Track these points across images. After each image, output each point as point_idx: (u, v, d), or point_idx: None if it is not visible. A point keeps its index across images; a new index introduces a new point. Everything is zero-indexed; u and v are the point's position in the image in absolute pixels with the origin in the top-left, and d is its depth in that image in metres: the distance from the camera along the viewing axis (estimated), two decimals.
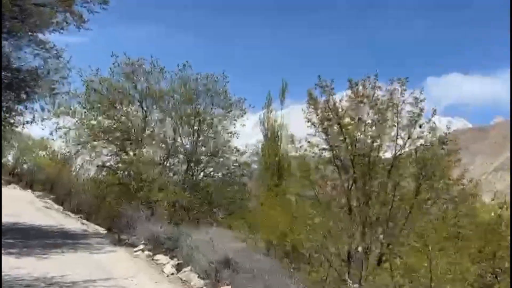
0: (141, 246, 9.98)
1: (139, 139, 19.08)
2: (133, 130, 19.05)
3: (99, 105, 18.58)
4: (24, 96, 12.05)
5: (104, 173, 20.50)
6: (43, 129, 20.17)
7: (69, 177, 33.55)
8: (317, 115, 10.58)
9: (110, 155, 20.22)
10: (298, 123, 15.09)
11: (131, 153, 19.02)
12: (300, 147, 11.15)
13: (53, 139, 19.78)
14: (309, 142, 10.82)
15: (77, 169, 23.67)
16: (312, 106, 10.68)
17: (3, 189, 30.18)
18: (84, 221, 16.39)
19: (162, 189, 15.32)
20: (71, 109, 19.45)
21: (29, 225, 13.48)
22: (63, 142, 20.85)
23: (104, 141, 18.94)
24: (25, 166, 43.10)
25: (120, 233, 11.93)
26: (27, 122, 13.34)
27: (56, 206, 22.25)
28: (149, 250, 9.73)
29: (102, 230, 14.72)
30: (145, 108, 19.07)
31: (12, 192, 27.97)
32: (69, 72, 13.46)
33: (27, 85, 11.69)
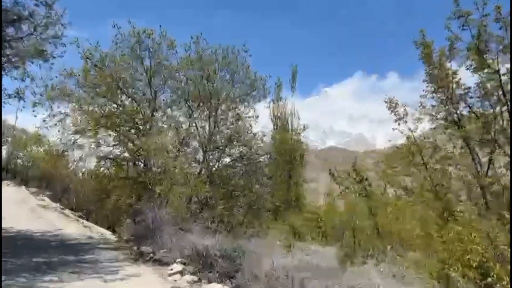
0: (178, 266, 6.61)
1: (148, 125, 15.71)
2: (140, 114, 15.64)
3: (100, 84, 15.10)
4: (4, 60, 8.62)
5: (106, 165, 17.10)
6: (35, 116, 16.85)
7: (66, 171, 30.32)
8: None
9: (113, 145, 16.83)
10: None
11: (137, 142, 15.64)
12: None
13: (46, 127, 16.21)
14: None
15: (75, 163, 20.12)
16: None
17: None
18: (86, 223, 13.02)
19: (184, 183, 12.01)
20: (66, 91, 15.98)
21: (17, 231, 10.17)
22: (58, 131, 17.27)
23: (107, 128, 15.46)
24: (19, 161, 39.30)
25: (138, 242, 8.61)
26: (12, 96, 9.90)
27: (53, 204, 18.82)
28: (193, 274, 6.40)
29: (109, 234, 11.40)
30: (154, 88, 15.65)
31: (3, 190, 24.34)
32: (63, 30, 9.96)
33: (8, 44, 8.26)
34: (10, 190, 25.47)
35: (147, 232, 8.57)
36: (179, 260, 6.65)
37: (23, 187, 28.41)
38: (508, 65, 9.40)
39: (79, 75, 15.24)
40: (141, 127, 15.94)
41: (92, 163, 18.48)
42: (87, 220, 18.63)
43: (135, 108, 15.18)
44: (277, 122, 31.29)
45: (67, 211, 15.89)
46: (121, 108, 15.67)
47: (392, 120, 12.03)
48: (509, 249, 7.15)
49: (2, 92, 10.12)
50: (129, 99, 15.62)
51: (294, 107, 31.53)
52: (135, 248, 8.00)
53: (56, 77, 15.67)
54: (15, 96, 10.29)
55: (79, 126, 15.65)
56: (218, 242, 6.66)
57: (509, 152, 8.83)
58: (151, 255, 7.21)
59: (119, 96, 15.52)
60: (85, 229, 11.49)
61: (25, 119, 26.77)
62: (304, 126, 29.70)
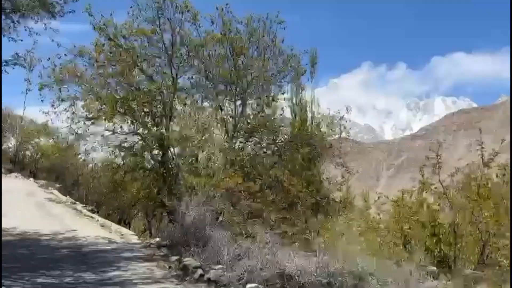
0: None
1: (168, 109, 13.57)
2: (160, 96, 13.49)
3: (115, 62, 12.96)
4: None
5: (121, 155, 15.03)
6: (42, 100, 14.76)
7: (76, 163, 28.39)
8: None
9: (130, 133, 14.77)
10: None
11: (158, 128, 13.54)
12: None
13: (55, 112, 14.10)
14: None
15: (86, 152, 17.96)
16: None
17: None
18: (101, 220, 10.91)
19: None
20: (77, 72, 13.87)
21: (20, 233, 8.09)
22: (67, 118, 15.08)
23: (123, 114, 13.31)
24: (27, 153, 37.32)
25: (175, 250, 6.43)
26: (9, 63, 7.77)
27: (63, 198, 16.77)
28: None
29: (130, 235, 9.28)
30: (175, 66, 13.45)
31: (10, 182, 22.36)
32: None
33: None
34: (18, 182, 23.46)
35: (186, 236, 6.44)
36: (253, 286, 4.44)
37: (31, 179, 26.44)
38: None
39: (90, 52, 13.07)
40: (160, 111, 13.80)
41: (105, 153, 16.36)
42: (97, 212, 16.62)
43: (154, 90, 13.00)
44: (295, 109, 29.15)
45: (79, 206, 13.81)
46: (139, 90, 13.50)
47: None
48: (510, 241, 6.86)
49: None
50: (148, 79, 13.44)
51: (314, 94, 29.36)
52: (174, 259, 5.89)
53: (66, 55, 13.57)
54: (14, 63, 8.13)
55: (92, 111, 13.50)
56: (319, 262, 4.45)
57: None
58: (200, 271, 5.09)
59: (136, 76, 13.35)
60: (102, 228, 9.40)
61: (33, 109, 24.68)
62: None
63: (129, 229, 14.87)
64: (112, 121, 12.89)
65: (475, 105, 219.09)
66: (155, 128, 13.10)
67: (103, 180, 20.55)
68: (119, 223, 28.20)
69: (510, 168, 7.63)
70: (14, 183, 22.40)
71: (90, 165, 26.50)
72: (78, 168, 29.83)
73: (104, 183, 22.73)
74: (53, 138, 27.65)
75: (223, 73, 12.69)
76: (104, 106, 13.22)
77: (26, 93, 14.60)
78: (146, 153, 14.57)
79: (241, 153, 12.58)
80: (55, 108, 14.58)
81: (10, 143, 35.06)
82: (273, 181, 11.52)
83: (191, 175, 11.38)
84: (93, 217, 11.00)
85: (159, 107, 13.71)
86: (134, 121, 14.07)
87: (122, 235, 8.91)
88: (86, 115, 14.58)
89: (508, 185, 7.51)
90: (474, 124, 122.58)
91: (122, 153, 14.92)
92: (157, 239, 7.85)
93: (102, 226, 9.49)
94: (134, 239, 8.69)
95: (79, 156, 23.36)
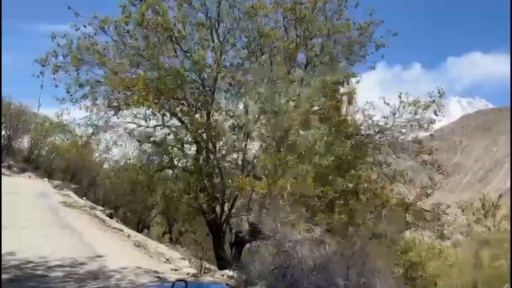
0: None
1: (210, 93, 10.65)
2: (200, 77, 10.54)
3: (146, 36, 10.05)
4: None
5: (150, 150, 12.14)
6: (56, 86, 11.94)
7: (93, 161, 25.77)
8: None
9: (160, 125, 11.95)
10: None
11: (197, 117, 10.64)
12: None
13: (72, 100, 11.25)
14: None
15: (107, 149, 14.98)
16: None
17: (13, 178, 22.17)
18: (130, 232, 7.95)
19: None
20: (98, 50, 11.03)
21: (19, 263, 5.10)
22: (86, 108, 12.16)
23: (156, 100, 10.36)
24: (42, 152, 34.66)
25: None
26: None
27: (80, 201, 13.99)
28: None
29: (187, 265, 6.24)
30: (219, 39, 10.44)
31: (22, 182, 19.68)
32: None
33: None
34: (31, 182, 20.77)
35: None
36: None
37: (45, 179, 23.75)
38: None
39: (116, 21, 10.17)
40: (199, 95, 10.83)
41: (128, 149, 13.40)
42: (113, 217, 13.70)
43: (194, 68, 10.02)
44: None
45: (99, 212, 10.93)
46: (171, 70, 10.53)
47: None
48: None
49: None
50: (185, 55, 10.45)
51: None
52: None
53: (85, 26, 10.69)
54: None
55: (121, 90, 10.59)
56: None
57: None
58: None
59: (171, 53, 10.40)
60: (138, 250, 6.43)
61: (48, 105, 21.95)
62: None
63: (160, 242, 11.98)
64: (143, 105, 9.94)
65: (491, 105, 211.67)
66: (197, 116, 10.14)
67: (124, 179, 17.63)
68: (137, 228, 25.53)
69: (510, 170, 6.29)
70: (27, 183, 19.72)
71: (107, 164, 23.90)
72: (95, 167, 27.25)
73: (124, 183, 19.88)
74: (69, 134, 24.83)
75: (285, 44, 9.60)
76: (132, 90, 10.32)
77: (38, 77, 11.54)
78: (180, 148, 11.67)
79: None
80: (71, 95, 11.74)
81: (24, 141, 32.58)
82: (356, 182, 8.45)
83: (244, 175, 8.40)
84: (121, 230, 8.06)
85: (197, 91, 10.75)
86: (167, 106, 11.13)
87: (167, 260, 5.97)
88: (109, 102, 11.72)
89: None
90: (491, 126, 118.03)
91: (151, 149, 12.04)
92: (227, 272, 4.94)
93: (137, 245, 6.54)
94: (186, 266, 5.75)
95: (97, 153, 20.53)
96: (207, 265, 6.88)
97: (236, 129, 10.33)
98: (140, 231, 25.11)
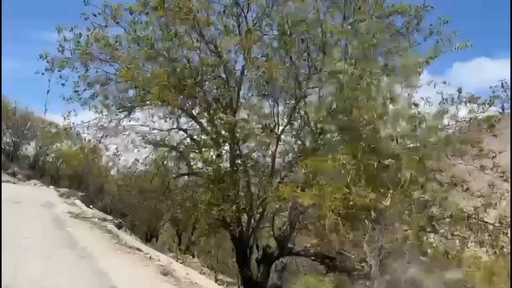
0: None
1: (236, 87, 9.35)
2: (225, 72, 9.22)
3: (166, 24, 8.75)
4: None
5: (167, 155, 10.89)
6: (63, 84, 10.77)
7: (100, 168, 24.61)
8: None
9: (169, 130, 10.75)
10: None
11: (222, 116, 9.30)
12: None
13: (80, 98, 9.96)
14: None
15: (117, 154, 13.61)
16: None
17: (17, 186, 20.93)
18: (153, 253, 6.53)
19: None
20: (109, 42, 9.77)
21: None
22: (96, 108, 10.87)
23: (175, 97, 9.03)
24: (48, 158, 33.54)
25: None
26: None
27: (88, 210, 12.65)
28: None
29: None
30: (247, 20, 9.04)
31: (27, 190, 18.44)
32: None
33: None
34: (36, 190, 19.45)
35: None
36: None
37: (52, 187, 22.48)
38: None
39: (131, 7, 8.89)
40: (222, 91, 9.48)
41: (142, 154, 12.05)
42: (122, 226, 12.31)
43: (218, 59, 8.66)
44: None
45: (111, 225, 9.56)
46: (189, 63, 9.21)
47: None
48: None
49: None
50: (207, 48, 9.09)
51: None
52: None
53: (95, 15, 9.42)
54: None
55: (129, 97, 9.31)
56: None
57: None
58: None
59: (193, 44, 9.05)
60: (167, 280, 4.98)
61: (54, 111, 20.81)
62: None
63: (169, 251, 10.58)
64: (162, 103, 8.59)
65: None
66: (221, 115, 8.77)
67: (134, 187, 16.22)
68: (146, 236, 24.13)
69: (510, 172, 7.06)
70: (31, 191, 18.39)
71: (115, 171, 22.67)
72: (102, 174, 26.05)
73: (133, 191, 18.54)
74: (76, 139, 23.55)
75: (331, 27, 8.10)
76: (146, 88, 8.99)
77: (43, 74, 10.23)
78: (199, 153, 10.32)
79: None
80: (79, 94, 10.45)
81: (30, 148, 31.39)
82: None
83: (284, 183, 7.01)
84: (140, 250, 6.65)
85: (221, 86, 9.38)
86: (185, 107, 9.77)
87: None
88: (120, 103, 10.40)
89: None
90: (501, 130, 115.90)
91: (167, 154, 10.71)
92: None
93: (163, 273, 5.12)
94: None
95: (106, 159, 19.22)
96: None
97: (266, 130, 8.95)
98: (149, 240, 23.81)
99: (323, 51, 8.10)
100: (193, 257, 22.81)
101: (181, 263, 12.50)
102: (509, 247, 6.58)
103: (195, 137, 10.61)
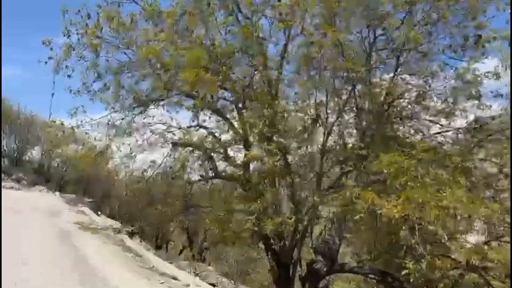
0: None
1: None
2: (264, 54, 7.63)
3: None
4: None
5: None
6: (69, 76, 9.28)
7: (108, 171, 23.14)
8: None
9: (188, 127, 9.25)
10: None
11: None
12: None
13: (89, 91, 8.39)
14: None
15: (130, 156, 11.96)
16: None
17: (22, 192, 19.35)
18: (185, 281, 4.95)
19: None
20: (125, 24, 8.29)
21: None
22: (108, 104, 9.27)
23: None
24: (54, 163, 31.96)
25: None
26: None
27: (98, 219, 11.11)
28: None
29: None
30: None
31: (31, 197, 16.97)
32: None
33: None
34: (41, 197, 17.92)
35: None
36: None
37: (57, 193, 20.98)
38: None
39: None
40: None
41: (156, 154, 10.40)
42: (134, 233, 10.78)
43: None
44: None
45: (126, 237, 7.96)
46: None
47: None
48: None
49: None
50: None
51: None
52: None
53: None
54: None
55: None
56: None
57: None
58: None
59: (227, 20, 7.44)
60: None
61: (59, 114, 19.28)
62: None
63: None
64: (196, 88, 6.96)
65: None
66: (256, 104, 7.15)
67: (147, 191, 14.57)
68: (156, 242, 22.56)
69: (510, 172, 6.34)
70: (36, 198, 16.84)
71: (125, 173, 21.17)
72: (110, 178, 24.50)
73: (146, 195, 16.91)
74: (83, 141, 21.90)
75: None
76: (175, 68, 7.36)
77: (46, 63, 8.55)
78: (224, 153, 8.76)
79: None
80: (87, 87, 8.87)
81: (35, 153, 29.93)
82: None
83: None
84: (165, 273, 5.04)
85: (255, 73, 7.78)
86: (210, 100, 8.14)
87: None
88: (135, 95, 8.80)
89: None
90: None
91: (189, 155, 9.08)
92: None
93: None
94: None
95: (117, 161, 17.62)
96: None
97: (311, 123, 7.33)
98: (159, 246, 22.27)
99: None
100: (205, 262, 21.24)
101: (197, 274, 10.83)
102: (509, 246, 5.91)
103: (217, 134, 9.04)
